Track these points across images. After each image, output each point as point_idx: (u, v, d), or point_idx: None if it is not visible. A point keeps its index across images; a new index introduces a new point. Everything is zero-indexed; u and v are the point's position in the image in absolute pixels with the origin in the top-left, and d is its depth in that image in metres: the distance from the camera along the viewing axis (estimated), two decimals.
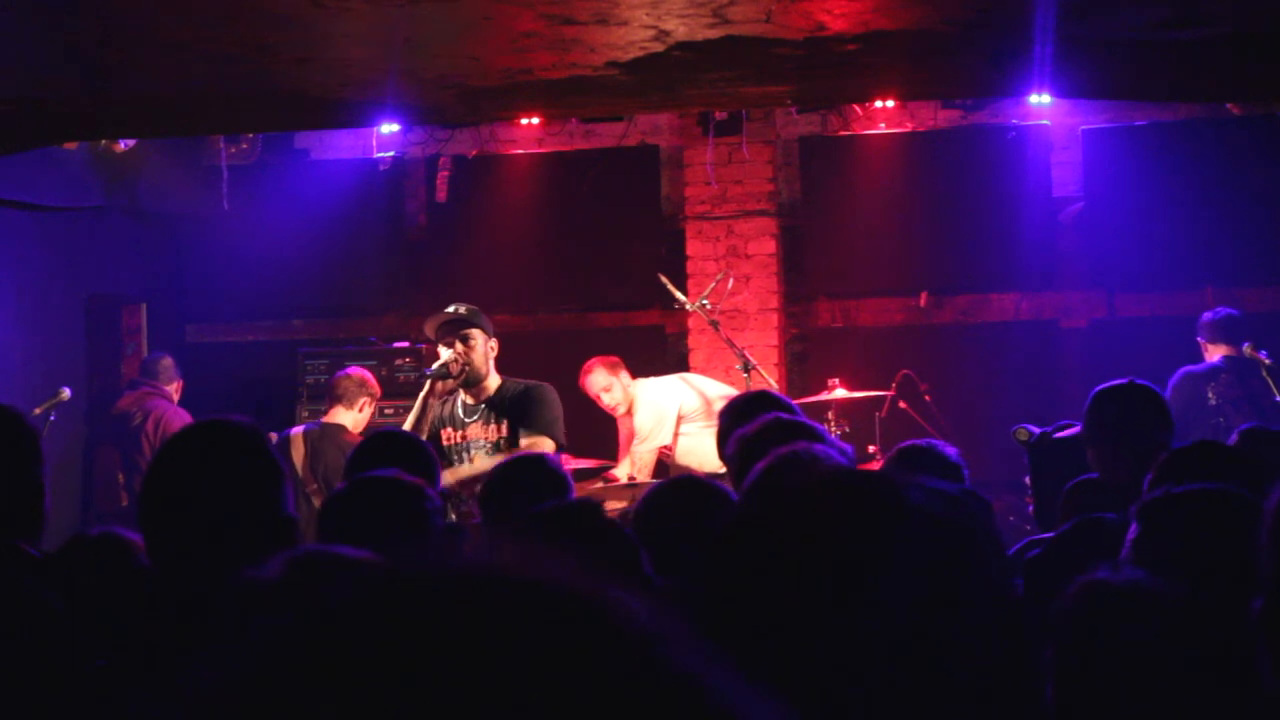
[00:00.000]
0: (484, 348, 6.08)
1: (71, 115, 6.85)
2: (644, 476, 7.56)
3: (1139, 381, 4.37)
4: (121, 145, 8.67)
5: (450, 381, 6.04)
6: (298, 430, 7.21)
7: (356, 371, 7.32)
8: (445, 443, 6.03)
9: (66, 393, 7.56)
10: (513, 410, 6.01)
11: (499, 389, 6.10)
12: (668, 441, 7.70)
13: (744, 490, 3.25)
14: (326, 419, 7.13)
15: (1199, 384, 7.38)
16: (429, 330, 6.20)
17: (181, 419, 8.67)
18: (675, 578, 2.96)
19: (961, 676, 1.16)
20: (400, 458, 3.98)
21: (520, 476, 4.16)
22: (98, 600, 2.63)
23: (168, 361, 8.71)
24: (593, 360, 7.75)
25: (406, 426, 5.97)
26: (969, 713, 1.16)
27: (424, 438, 5.90)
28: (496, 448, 5.90)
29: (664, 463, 7.79)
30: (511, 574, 0.68)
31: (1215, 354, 7.54)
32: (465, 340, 6.05)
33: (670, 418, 7.72)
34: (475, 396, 6.10)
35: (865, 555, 1.17)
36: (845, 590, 1.15)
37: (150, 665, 2.38)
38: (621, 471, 7.67)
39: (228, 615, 1.98)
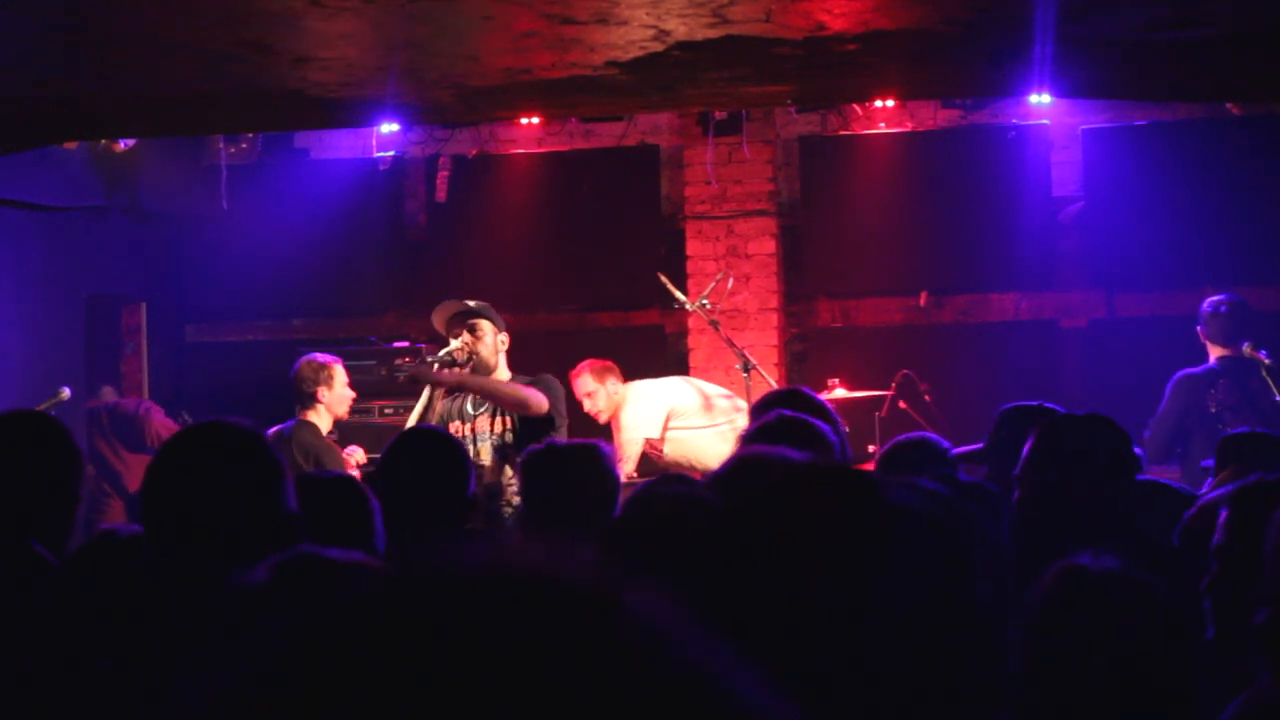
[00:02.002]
0: (493, 341, 6.09)
1: (71, 115, 6.86)
2: (627, 469, 7.52)
3: (1047, 405, 4.29)
4: (121, 145, 8.67)
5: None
6: (271, 431, 7.11)
7: (296, 367, 7.02)
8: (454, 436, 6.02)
9: (66, 393, 7.55)
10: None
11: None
12: (654, 435, 7.67)
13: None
14: (301, 416, 6.91)
15: (1198, 388, 7.25)
16: (437, 320, 6.19)
17: (133, 401, 8.85)
18: (656, 578, 2.94)
19: (945, 674, 1.16)
20: (432, 457, 3.94)
21: (567, 469, 4.09)
22: (104, 600, 2.63)
23: (107, 389, 9.17)
24: (584, 363, 7.72)
25: (412, 419, 5.97)
26: (953, 708, 1.16)
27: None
28: (502, 440, 5.89)
29: (652, 460, 7.74)
30: (515, 572, 0.68)
31: (1213, 354, 7.43)
32: (473, 330, 6.06)
33: (659, 414, 7.70)
34: None
35: (844, 553, 1.17)
36: (825, 589, 1.15)
37: (154, 666, 2.38)
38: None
39: (218, 618, 1.98)
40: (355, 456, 7.15)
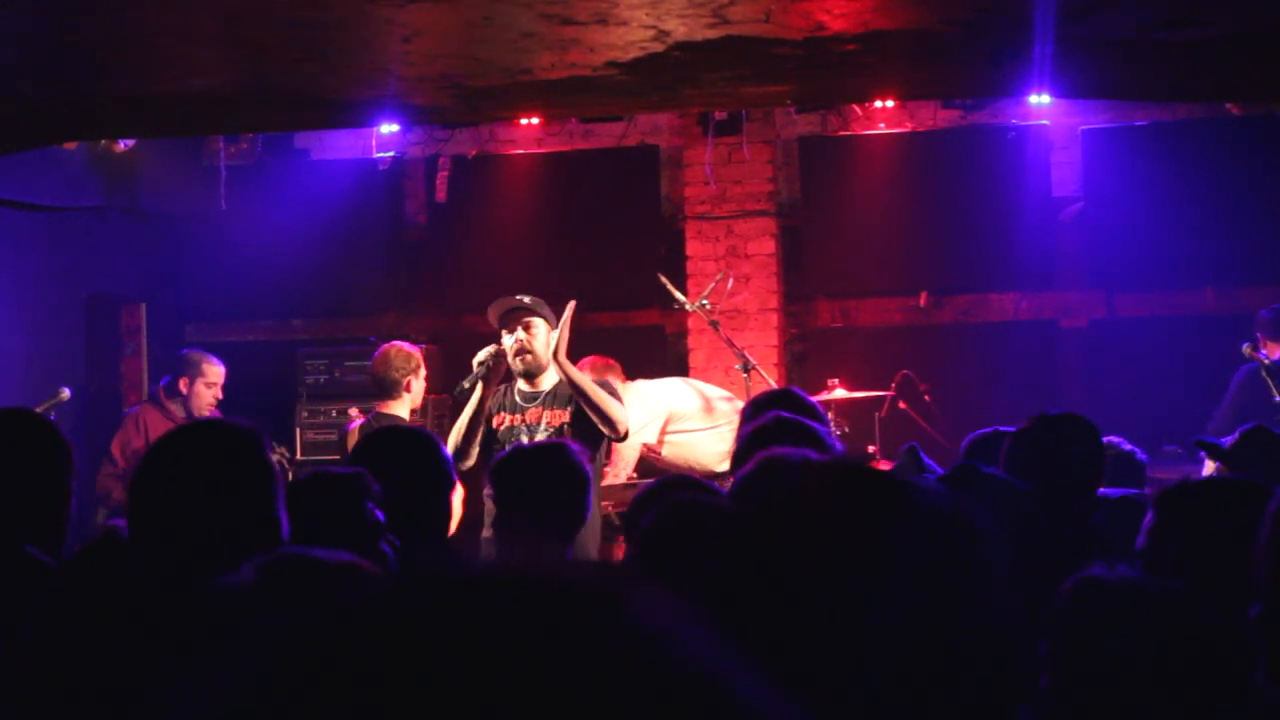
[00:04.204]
0: (545, 338, 6.12)
1: (71, 115, 6.86)
2: (625, 473, 7.52)
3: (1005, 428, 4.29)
4: (121, 145, 8.67)
5: (502, 366, 6.06)
6: (354, 425, 7.02)
7: (381, 354, 6.88)
8: (497, 426, 6.07)
9: (66, 393, 7.54)
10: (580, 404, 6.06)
11: (559, 382, 6.13)
12: (650, 440, 7.67)
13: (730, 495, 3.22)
14: (379, 409, 6.84)
15: (1262, 382, 7.45)
16: (492, 316, 6.20)
17: (143, 428, 7.81)
18: (666, 578, 2.94)
19: (962, 673, 1.16)
20: (407, 455, 3.94)
21: (536, 470, 4.10)
22: (103, 601, 2.62)
23: (185, 356, 8.07)
24: (586, 359, 7.71)
25: (461, 425, 5.97)
26: (967, 709, 1.16)
27: (478, 436, 5.95)
28: (559, 433, 5.91)
29: (649, 462, 7.73)
30: (516, 572, 0.68)
31: (1276, 351, 7.60)
32: (528, 328, 6.09)
33: (657, 418, 7.70)
34: (532, 384, 6.14)
35: (868, 554, 1.17)
36: (852, 587, 1.15)
37: (150, 668, 2.37)
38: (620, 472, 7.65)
39: (205, 620, 1.98)
40: None
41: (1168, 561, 2.52)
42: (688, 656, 0.65)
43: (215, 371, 7.94)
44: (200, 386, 7.87)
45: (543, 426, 6.02)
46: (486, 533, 5.65)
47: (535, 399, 6.11)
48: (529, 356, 6.06)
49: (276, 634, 0.66)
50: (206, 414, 7.77)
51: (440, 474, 3.93)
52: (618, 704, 0.62)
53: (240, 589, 1.90)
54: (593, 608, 0.66)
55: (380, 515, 3.33)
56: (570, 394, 6.07)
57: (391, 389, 6.75)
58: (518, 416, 6.08)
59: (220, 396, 7.96)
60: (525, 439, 5.95)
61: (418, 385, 6.78)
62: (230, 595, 1.91)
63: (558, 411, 6.07)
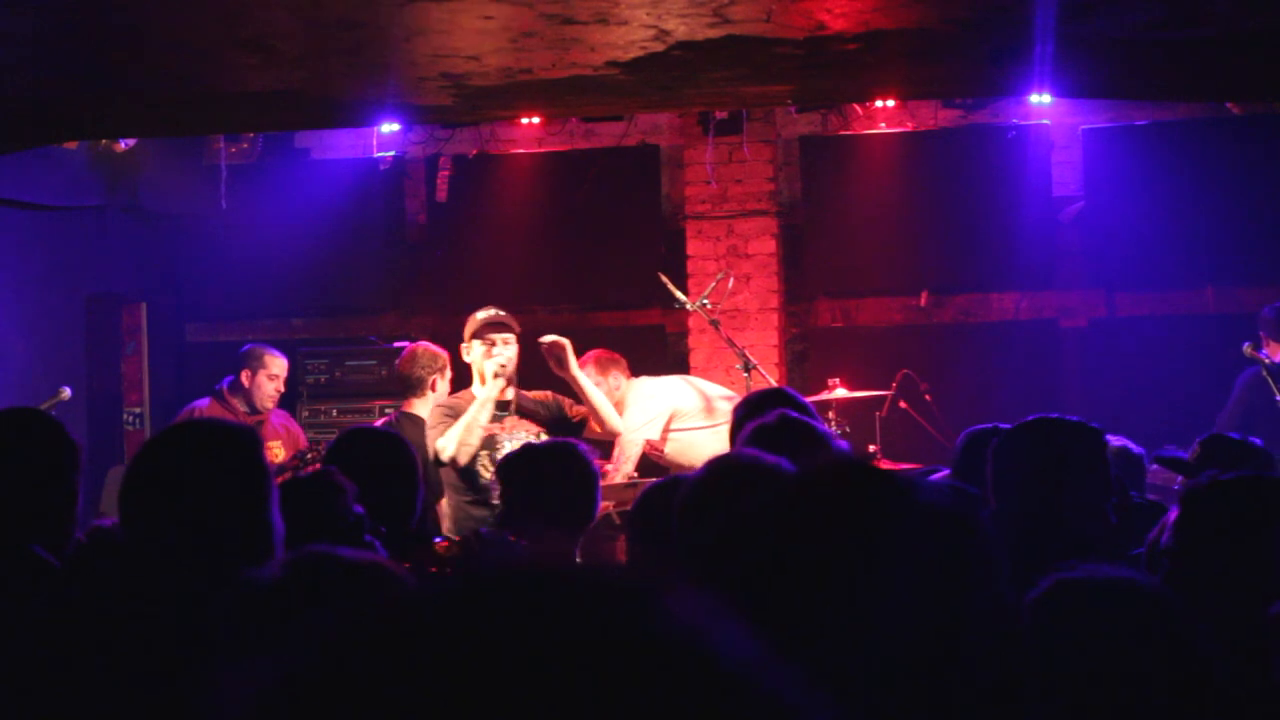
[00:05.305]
0: (516, 354, 6.29)
1: (71, 115, 6.86)
2: (626, 469, 7.52)
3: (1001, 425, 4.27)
4: (121, 145, 8.67)
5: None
6: (378, 424, 7.00)
7: (408, 353, 6.90)
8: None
9: (67, 392, 7.54)
10: (556, 425, 6.25)
11: (518, 394, 6.31)
12: (653, 437, 7.67)
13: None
14: (404, 408, 6.87)
15: (1266, 384, 7.44)
16: (472, 325, 6.28)
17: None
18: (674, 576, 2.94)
19: (964, 670, 1.16)
20: (379, 455, 4.02)
21: (544, 469, 4.13)
22: (102, 601, 2.62)
23: (246, 350, 7.87)
24: (590, 353, 7.69)
25: (475, 422, 6.06)
26: (969, 704, 1.16)
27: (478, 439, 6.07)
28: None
29: (650, 459, 7.73)
30: (556, 571, 0.68)
31: (1277, 352, 7.59)
32: (508, 343, 6.25)
33: (661, 415, 7.70)
34: (500, 394, 6.26)
35: (870, 549, 1.17)
36: (856, 583, 1.16)
37: (148, 668, 2.37)
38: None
39: (229, 617, 1.97)
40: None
41: (1195, 559, 2.50)
42: (728, 652, 0.66)
43: (278, 363, 7.85)
44: (263, 378, 7.79)
45: (523, 435, 6.16)
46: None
47: (505, 408, 6.25)
48: (508, 368, 6.23)
49: (322, 631, 0.66)
50: (270, 406, 7.77)
51: (410, 469, 4.07)
52: (658, 697, 0.63)
53: (266, 586, 1.90)
54: (636, 604, 0.66)
55: (359, 509, 3.39)
56: (534, 406, 6.30)
57: (416, 387, 6.78)
58: (497, 425, 6.21)
59: (283, 389, 7.91)
60: (501, 448, 6.09)
61: (442, 385, 6.82)
62: (256, 593, 1.91)
63: (527, 420, 6.25)
